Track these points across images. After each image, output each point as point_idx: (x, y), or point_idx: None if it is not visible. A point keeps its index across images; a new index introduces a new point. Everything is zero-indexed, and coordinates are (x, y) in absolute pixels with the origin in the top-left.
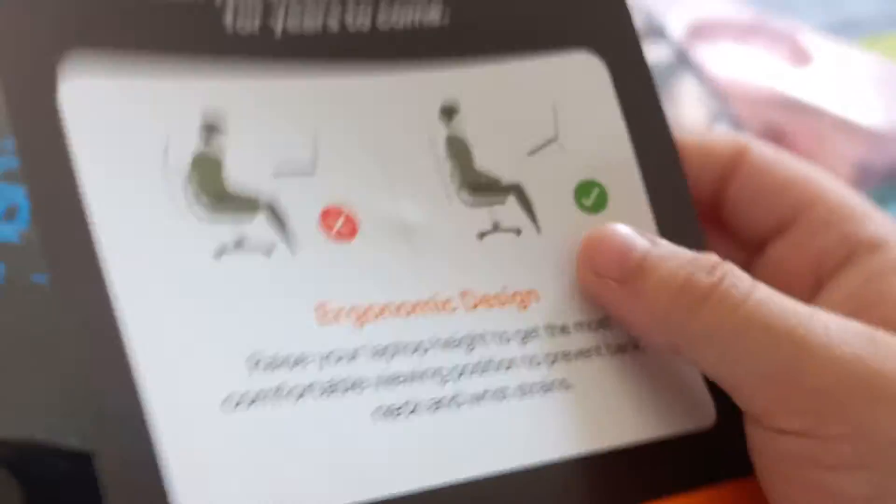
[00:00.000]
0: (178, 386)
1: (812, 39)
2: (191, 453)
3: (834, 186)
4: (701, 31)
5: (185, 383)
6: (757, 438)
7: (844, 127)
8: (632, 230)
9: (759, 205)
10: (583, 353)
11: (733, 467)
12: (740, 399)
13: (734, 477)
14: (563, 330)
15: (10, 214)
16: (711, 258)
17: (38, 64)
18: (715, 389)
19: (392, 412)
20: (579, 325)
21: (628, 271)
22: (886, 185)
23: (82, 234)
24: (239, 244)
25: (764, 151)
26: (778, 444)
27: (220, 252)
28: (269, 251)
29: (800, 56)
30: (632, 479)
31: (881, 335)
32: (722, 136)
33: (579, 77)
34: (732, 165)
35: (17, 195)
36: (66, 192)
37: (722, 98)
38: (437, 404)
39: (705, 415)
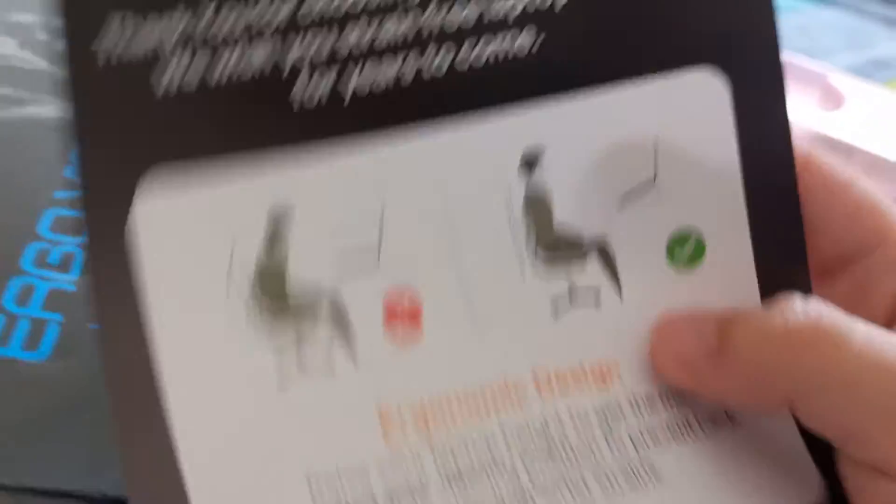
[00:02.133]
0: None
1: (843, 80)
2: None
3: None
4: None
5: None
6: (878, 490)
7: (878, 165)
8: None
9: (826, 230)
10: (672, 432)
11: None
12: (859, 448)
13: None
14: (650, 400)
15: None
16: (793, 298)
17: (117, 186)
18: (821, 462)
19: None
20: (667, 394)
21: (712, 340)
22: None
23: (143, 355)
24: (302, 367)
25: (829, 166)
26: None
27: (284, 380)
28: (331, 370)
29: (832, 98)
30: None
31: None
32: None
33: (692, 101)
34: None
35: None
36: (131, 318)
37: None
38: (503, 502)
39: (812, 490)
